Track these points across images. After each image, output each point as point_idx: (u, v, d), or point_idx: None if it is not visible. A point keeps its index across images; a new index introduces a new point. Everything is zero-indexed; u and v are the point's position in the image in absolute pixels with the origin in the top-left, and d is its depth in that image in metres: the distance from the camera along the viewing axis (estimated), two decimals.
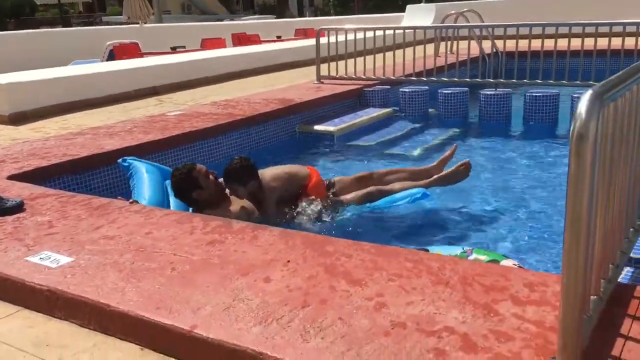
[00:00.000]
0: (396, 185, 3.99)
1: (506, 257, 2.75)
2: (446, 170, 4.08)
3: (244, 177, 3.58)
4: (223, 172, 3.64)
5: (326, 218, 3.70)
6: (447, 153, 4.22)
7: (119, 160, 3.93)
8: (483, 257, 2.60)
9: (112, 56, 10.66)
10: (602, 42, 6.22)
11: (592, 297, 1.60)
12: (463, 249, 2.85)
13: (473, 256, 2.66)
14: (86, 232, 2.66)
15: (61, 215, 2.91)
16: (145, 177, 3.74)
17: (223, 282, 2.09)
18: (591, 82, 6.09)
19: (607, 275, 1.74)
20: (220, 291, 2.02)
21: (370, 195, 3.90)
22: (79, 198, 3.22)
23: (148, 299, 2.00)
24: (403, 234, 3.60)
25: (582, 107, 1.34)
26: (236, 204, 3.66)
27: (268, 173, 3.76)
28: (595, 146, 1.34)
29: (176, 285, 2.09)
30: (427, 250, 2.67)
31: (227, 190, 3.67)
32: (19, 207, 3.01)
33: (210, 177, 3.56)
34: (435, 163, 4.19)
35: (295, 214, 3.70)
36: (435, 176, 4.06)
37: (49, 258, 2.37)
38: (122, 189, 4.21)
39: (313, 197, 3.76)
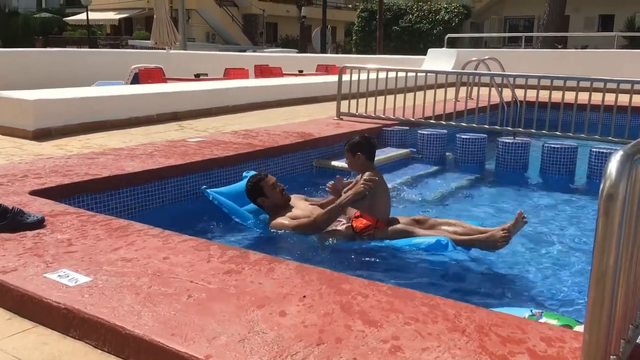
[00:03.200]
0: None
1: (579, 322, 2.49)
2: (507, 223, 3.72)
3: (353, 148, 4.11)
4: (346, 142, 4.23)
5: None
6: (513, 221, 3.71)
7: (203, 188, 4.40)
8: (554, 322, 2.42)
9: (136, 79, 10.85)
10: (623, 99, 6.26)
11: (611, 357, 1.59)
12: (532, 311, 2.64)
13: (543, 319, 2.47)
14: (104, 253, 2.69)
15: (80, 234, 2.94)
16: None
17: (239, 312, 2.10)
18: (610, 138, 6.13)
19: (627, 335, 1.73)
20: (235, 322, 2.03)
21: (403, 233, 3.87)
22: (98, 218, 3.25)
23: (164, 324, 2.01)
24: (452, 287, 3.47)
25: (613, 167, 1.37)
26: (295, 211, 4.15)
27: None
28: (624, 206, 1.36)
29: (192, 312, 2.10)
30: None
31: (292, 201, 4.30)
32: (39, 223, 3.05)
33: (277, 189, 4.22)
34: (498, 228, 3.75)
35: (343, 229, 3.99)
36: (507, 226, 3.68)
37: (67, 276, 2.40)
38: (141, 211, 4.26)
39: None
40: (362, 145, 4.14)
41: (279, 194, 4.24)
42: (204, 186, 4.43)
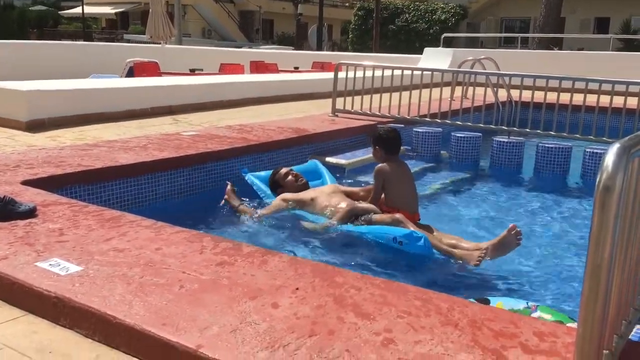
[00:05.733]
0: (444, 240, 3.82)
1: (573, 319, 2.48)
2: (493, 240, 3.63)
3: (374, 141, 4.32)
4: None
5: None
6: (503, 233, 3.60)
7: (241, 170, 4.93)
8: (548, 316, 2.43)
9: (131, 73, 10.80)
10: (618, 100, 6.28)
11: (604, 352, 1.59)
12: (527, 304, 2.65)
13: (537, 313, 2.50)
14: (96, 243, 2.67)
15: (72, 224, 2.92)
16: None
17: (231, 303, 2.09)
18: (604, 139, 6.14)
19: (620, 330, 1.73)
20: (227, 312, 2.01)
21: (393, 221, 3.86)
22: (90, 208, 3.23)
23: (155, 314, 2.00)
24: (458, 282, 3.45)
25: (609, 159, 1.36)
26: (311, 193, 4.40)
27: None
28: (620, 199, 1.35)
29: (184, 302, 2.08)
30: (488, 300, 2.54)
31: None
32: (31, 212, 3.02)
33: (290, 177, 4.58)
34: (489, 242, 3.66)
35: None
36: (483, 246, 3.60)
37: (59, 265, 2.38)
38: (133, 203, 4.24)
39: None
40: (381, 139, 4.29)
41: (294, 181, 4.56)
42: (245, 168, 4.93)
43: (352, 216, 4.03)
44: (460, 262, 3.58)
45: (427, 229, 3.96)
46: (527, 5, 27.13)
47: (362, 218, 3.99)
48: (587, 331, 1.40)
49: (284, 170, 4.67)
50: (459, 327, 1.95)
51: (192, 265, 2.43)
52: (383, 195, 4.22)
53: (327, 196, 4.32)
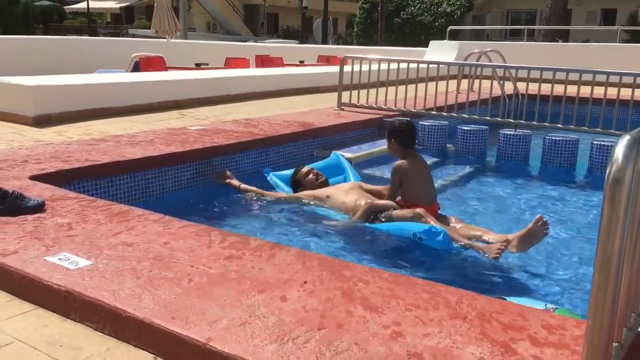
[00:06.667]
0: (464, 231, 3.81)
1: None
2: (520, 231, 3.55)
3: (388, 134, 4.34)
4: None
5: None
6: (530, 225, 3.50)
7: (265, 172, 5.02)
8: None
9: (137, 68, 10.80)
10: (625, 92, 6.24)
11: (614, 344, 1.59)
12: (546, 306, 2.61)
13: None
14: (105, 237, 2.68)
15: (81, 219, 2.93)
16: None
17: (240, 297, 2.09)
18: (612, 131, 6.11)
19: (629, 323, 1.73)
20: (237, 306, 2.02)
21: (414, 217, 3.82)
22: (99, 203, 3.24)
23: (164, 307, 2.01)
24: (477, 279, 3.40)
25: (619, 151, 1.35)
26: (328, 190, 4.44)
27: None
28: (630, 191, 1.35)
29: (193, 296, 2.09)
30: (504, 299, 2.48)
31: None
32: (39, 207, 3.04)
33: (310, 176, 4.63)
34: (515, 234, 3.59)
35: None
36: (510, 238, 3.54)
37: (68, 259, 2.39)
38: (141, 197, 4.26)
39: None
40: (396, 132, 4.29)
41: (314, 180, 4.62)
42: (268, 169, 5.06)
43: (371, 214, 4.02)
44: (482, 254, 3.53)
45: (448, 220, 3.97)
46: None
47: (382, 215, 3.98)
48: (597, 323, 1.40)
49: (305, 169, 4.74)
50: (468, 320, 1.96)
51: (200, 259, 2.44)
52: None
53: (344, 193, 4.32)
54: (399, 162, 4.23)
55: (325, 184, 4.66)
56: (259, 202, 4.52)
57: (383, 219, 3.94)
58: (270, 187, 4.84)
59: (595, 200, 5.10)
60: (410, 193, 4.17)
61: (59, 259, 2.40)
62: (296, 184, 4.72)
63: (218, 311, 1.98)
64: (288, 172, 4.95)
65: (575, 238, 4.14)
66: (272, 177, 4.97)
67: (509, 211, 4.81)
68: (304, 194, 4.50)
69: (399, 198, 4.23)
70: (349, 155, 5.83)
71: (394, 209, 3.98)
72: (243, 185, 4.59)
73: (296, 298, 2.10)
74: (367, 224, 3.97)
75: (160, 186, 4.46)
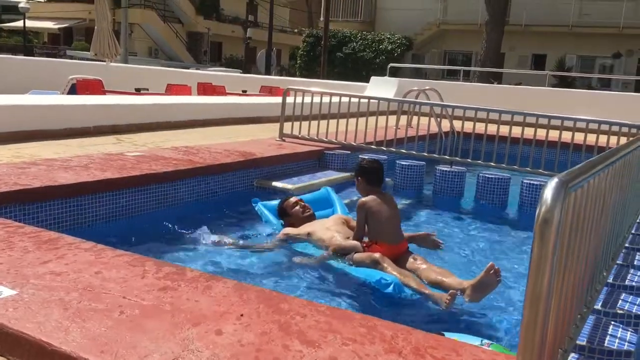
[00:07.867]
0: (432, 275, 3.77)
1: None
2: (472, 280, 3.50)
3: (355, 172, 4.37)
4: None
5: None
6: (482, 274, 3.45)
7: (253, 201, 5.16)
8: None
9: (73, 90, 10.53)
10: (553, 134, 6.56)
11: None
12: (481, 342, 2.66)
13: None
14: (32, 266, 2.56)
15: (7, 246, 2.80)
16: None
17: (173, 330, 2.04)
18: (541, 171, 6.39)
19: (557, 359, 1.79)
20: (169, 339, 1.97)
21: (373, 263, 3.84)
22: (27, 229, 3.11)
23: (93, 340, 1.93)
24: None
25: (548, 193, 1.42)
26: (309, 227, 4.45)
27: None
28: (558, 231, 1.41)
29: (124, 329, 2.02)
30: (443, 334, 2.51)
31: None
32: None
33: (296, 207, 4.69)
34: (469, 282, 3.53)
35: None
36: (465, 285, 3.50)
37: None
38: (71, 224, 4.10)
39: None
40: (362, 170, 4.31)
41: (300, 212, 4.68)
42: (256, 198, 5.19)
43: (338, 254, 4.07)
44: (433, 302, 3.49)
45: (414, 259, 3.94)
46: (469, 41, 28.16)
47: (346, 257, 4.01)
48: (526, 359, 1.44)
49: (293, 199, 4.81)
50: (403, 355, 1.97)
51: (133, 290, 2.36)
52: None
53: (325, 231, 4.34)
54: (362, 199, 4.17)
55: (311, 217, 4.69)
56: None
57: (347, 261, 3.98)
58: (257, 217, 4.93)
59: (525, 236, 5.29)
60: (374, 232, 4.09)
61: None
62: (282, 212, 4.78)
63: (149, 345, 1.92)
64: (275, 202, 5.04)
65: (511, 272, 4.27)
66: (260, 206, 5.05)
67: (446, 244, 4.91)
68: (289, 233, 4.51)
69: (366, 239, 4.15)
70: (289, 186, 5.84)
71: (357, 252, 4.00)
72: (226, 239, 4.35)
73: (232, 331, 2.06)
74: (333, 263, 4.00)
75: (94, 213, 4.32)
